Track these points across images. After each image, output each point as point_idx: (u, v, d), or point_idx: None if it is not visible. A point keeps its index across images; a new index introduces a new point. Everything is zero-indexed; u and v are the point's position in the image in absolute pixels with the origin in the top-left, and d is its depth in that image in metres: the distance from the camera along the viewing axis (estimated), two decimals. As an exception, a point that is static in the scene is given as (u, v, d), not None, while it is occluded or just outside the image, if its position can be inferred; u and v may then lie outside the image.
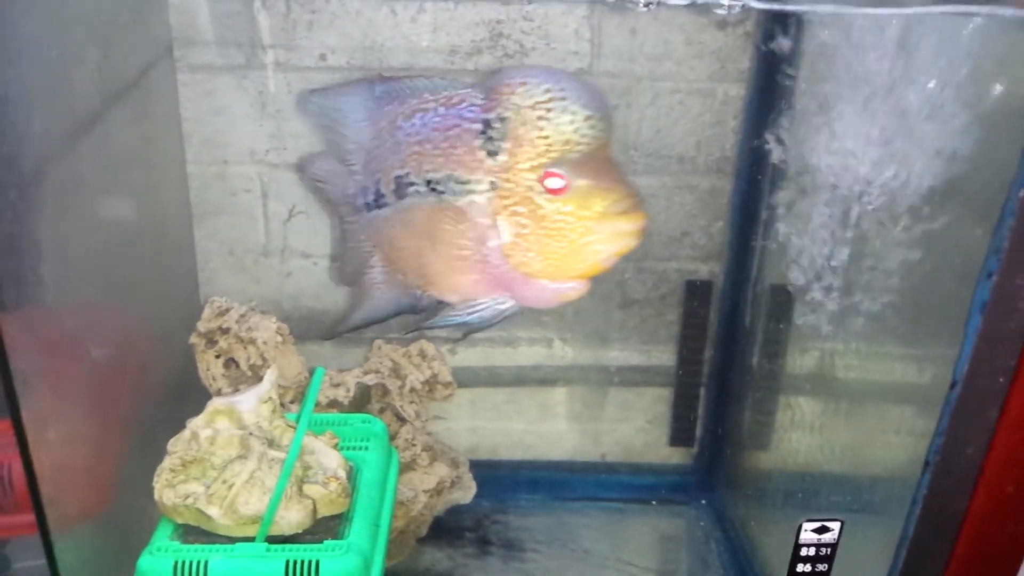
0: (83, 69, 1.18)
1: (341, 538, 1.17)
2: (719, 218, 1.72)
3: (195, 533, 1.17)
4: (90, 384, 1.20)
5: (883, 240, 1.24)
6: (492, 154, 1.07)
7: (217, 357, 1.48)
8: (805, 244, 1.41)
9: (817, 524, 1.18)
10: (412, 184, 1.14)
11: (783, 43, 1.46)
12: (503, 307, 1.16)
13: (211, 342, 1.48)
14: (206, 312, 1.49)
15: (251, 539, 1.15)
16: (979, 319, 1.02)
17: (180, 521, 1.18)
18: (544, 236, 1.07)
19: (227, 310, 1.49)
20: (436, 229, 1.13)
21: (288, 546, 1.15)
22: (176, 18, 1.53)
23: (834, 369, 1.38)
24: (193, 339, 1.49)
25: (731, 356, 1.74)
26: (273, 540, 1.15)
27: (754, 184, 1.63)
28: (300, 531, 1.18)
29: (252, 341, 1.47)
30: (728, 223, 1.71)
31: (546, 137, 1.04)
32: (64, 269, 1.12)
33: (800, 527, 1.18)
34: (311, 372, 1.42)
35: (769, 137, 1.54)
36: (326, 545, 1.15)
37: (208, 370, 1.48)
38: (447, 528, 1.67)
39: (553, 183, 1.05)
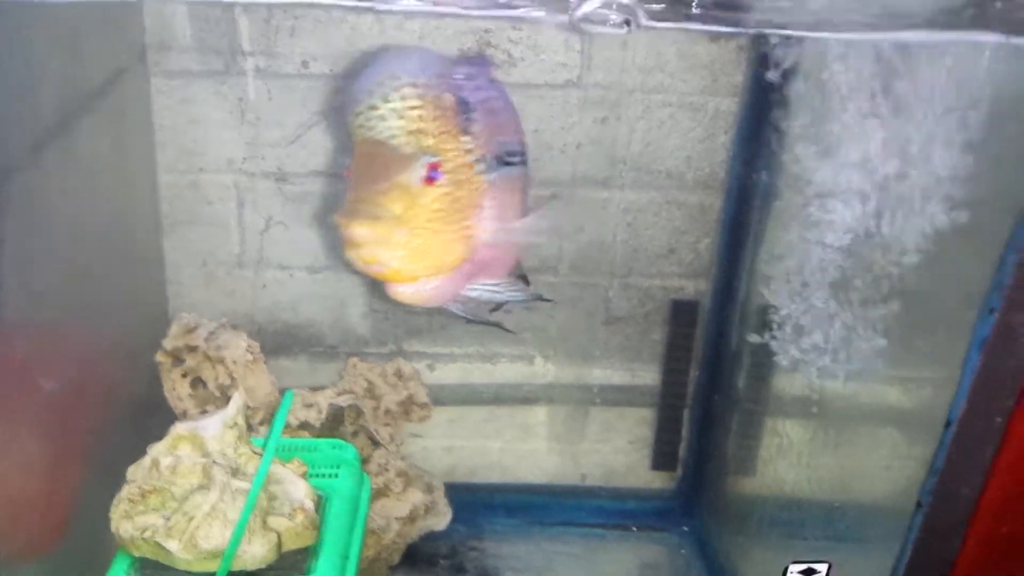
0: (45, 76, 1.12)
1: (307, 573, 1.12)
2: (707, 235, 1.68)
3: (153, 568, 1.12)
4: (44, 408, 1.14)
5: (878, 265, 1.20)
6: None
7: (184, 376, 1.43)
8: (795, 265, 1.38)
9: (804, 567, 1.14)
10: (495, 159, 1.14)
11: (778, 57, 1.42)
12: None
13: (178, 360, 1.43)
14: (173, 329, 1.44)
15: (212, 575, 1.10)
16: (978, 357, 0.98)
17: (138, 555, 1.12)
18: None
19: (195, 327, 1.44)
20: (513, 199, 1.16)
21: (251, 582, 1.10)
22: (151, 22, 1.48)
23: (823, 398, 1.34)
24: (159, 357, 1.43)
25: (717, 378, 1.70)
26: None
27: (744, 201, 1.60)
28: (264, 566, 1.12)
29: (221, 360, 1.42)
30: (716, 241, 1.68)
31: None
32: (19, 285, 1.07)
33: (786, 570, 1.14)
34: (282, 392, 1.37)
35: (761, 153, 1.50)
36: (291, 581, 1.10)
37: (174, 390, 1.43)
38: (421, 555, 1.62)
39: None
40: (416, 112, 1.03)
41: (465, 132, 1.08)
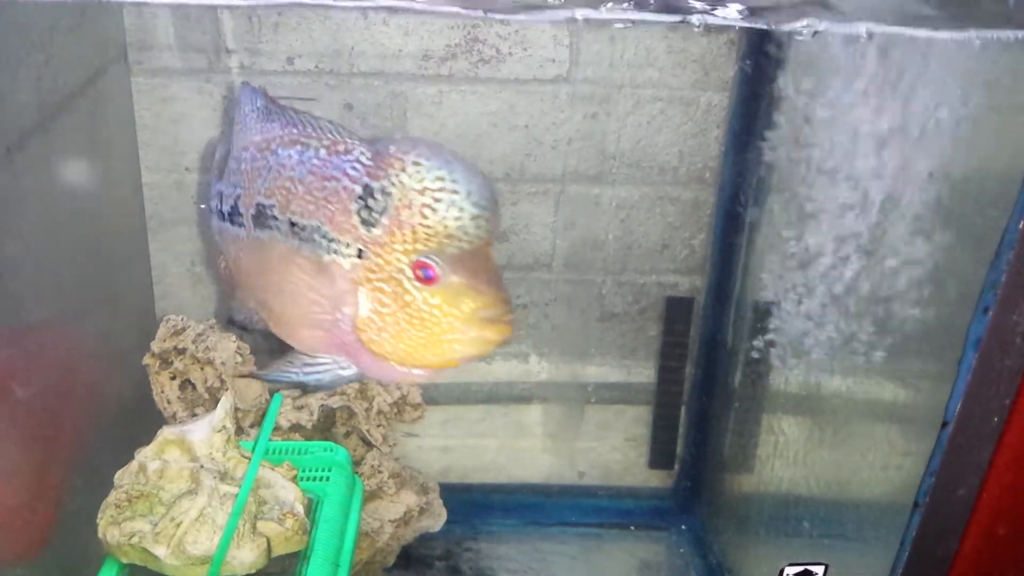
0: (20, 76, 1.10)
1: (297, 579, 1.11)
2: (701, 231, 1.67)
3: (141, 574, 1.10)
4: (28, 412, 1.12)
5: (874, 263, 1.19)
6: (367, 224, 0.99)
7: (172, 379, 1.41)
8: (791, 261, 1.36)
9: (800, 568, 1.12)
10: (275, 219, 1.06)
11: (769, 51, 1.40)
12: (345, 373, 1.09)
13: (166, 363, 1.41)
14: (161, 330, 1.42)
15: (200, 581, 1.08)
16: (973, 356, 0.96)
17: (125, 561, 1.11)
18: (404, 321, 0.99)
19: (183, 329, 1.42)
20: (290, 273, 1.05)
21: (240, 588, 1.08)
22: (131, 21, 1.46)
23: (821, 396, 1.33)
24: (147, 360, 1.41)
25: (713, 375, 1.69)
26: (224, 582, 1.09)
27: (738, 196, 1.58)
28: (253, 571, 1.11)
29: (210, 362, 1.40)
30: (711, 236, 1.66)
31: (428, 226, 0.96)
32: (3, 287, 1.05)
33: (782, 572, 1.12)
34: (272, 395, 1.35)
35: (754, 148, 1.49)
36: (280, 586, 1.09)
37: (162, 393, 1.40)
38: (416, 557, 1.61)
39: (425, 272, 0.98)
40: None
41: None
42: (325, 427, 1.47)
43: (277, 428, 1.41)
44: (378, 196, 0.98)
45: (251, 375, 1.22)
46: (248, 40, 1.49)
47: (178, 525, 1.09)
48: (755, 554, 1.57)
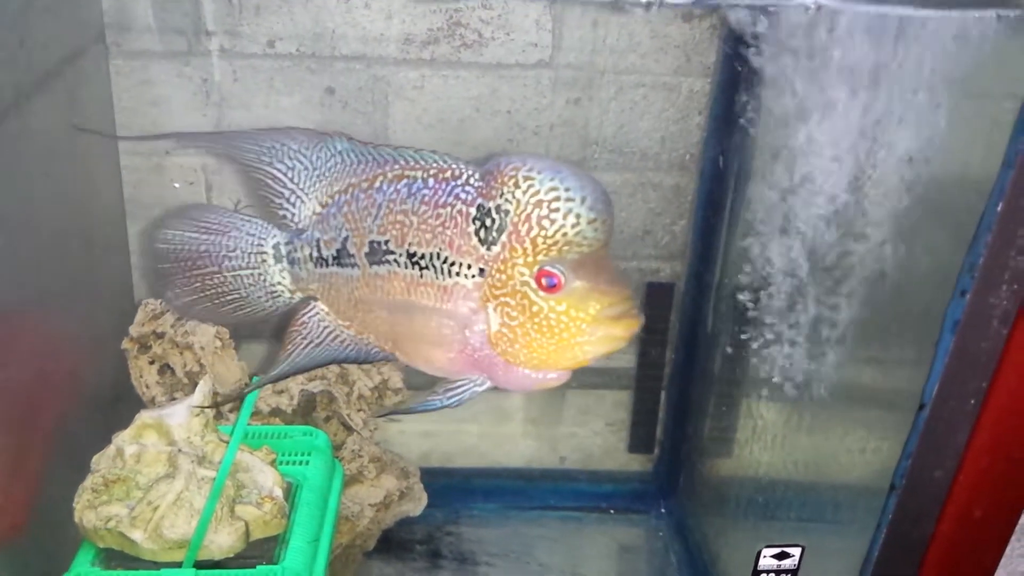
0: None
1: (276, 562, 1.11)
2: (683, 217, 1.67)
3: (118, 558, 1.11)
4: (5, 396, 1.11)
5: (852, 247, 1.19)
6: (486, 243, 1.03)
7: (151, 363, 1.40)
8: (770, 247, 1.36)
9: (777, 550, 1.13)
10: (391, 253, 1.09)
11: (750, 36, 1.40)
12: (480, 388, 1.13)
13: (144, 347, 1.40)
14: (139, 315, 1.41)
15: (178, 564, 1.08)
16: (950, 338, 0.97)
17: (102, 545, 1.11)
18: (534, 331, 1.03)
19: (162, 313, 1.41)
20: (416, 303, 1.09)
21: (218, 572, 1.09)
22: (109, 2, 1.44)
23: (799, 381, 1.34)
24: (125, 344, 1.41)
25: (693, 361, 1.69)
26: (202, 565, 1.09)
27: (719, 182, 1.58)
28: (232, 555, 1.11)
29: (189, 346, 1.39)
30: (692, 222, 1.66)
31: (548, 236, 1.00)
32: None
33: (759, 553, 1.13)
34: (251, 378, 1.35)
35: (735, 133, 1.49)
36: (259, 570, 1.10)
37: (141, 377, 1.40)
38: (396, 541, 1.61)
39: (549, 281, 1.02)
40: None
41: None
42: (305, 412, 1.47)
43: (257, 412, 1.41)
44: (494, 215, 1.02)
45: (392, 413, 1.23)
46: (228, 22, 1.48)
47: (155, 509, 1.09)
48: (734, 537, 1.57)
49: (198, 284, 1.17)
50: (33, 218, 1.21)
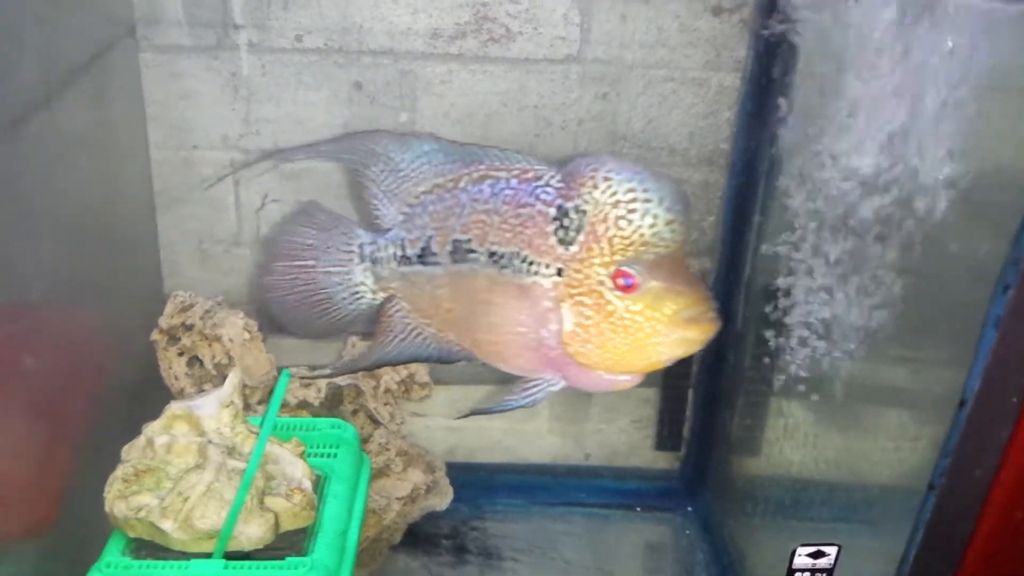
0: (25, 51, 1.09)
1: (305, 554, 1.11)
2: (711, 213, 1.66)
3: (148, 548, 1.10)
4: (36, 388, 1.12)
5: (890, 244, 1.18)
6: (565, 243, 1.04)
7: (180, 355, 1.41)
8: (801, 244, 1.35)
9: (812, 548, 1.11)
10: (473, 252, 1.10)
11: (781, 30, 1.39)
12: (555, 388, 1.14)
13: (173, 339, 1.40)
14: (168, 307, 1.42)
15: (208, 555, 1.08)
16: (993, 335, 0.95)
17: (132, 535, 1.11)
18: (608, 331, 1.03)
19: (191, 305, 1.41)
20: (494, 301, 1.10)
21: (247, 563, 1.08)
22: (139, -4, 1.45)
23: (831, 378, 1.32)
24: (155, 336, 1.41)
25: (721, 357, 1.68)
26: (231, 556, 1.09)
27: (749, 178, 1.56)
28: (261, 547, 1.10)
29: (217, 338, 1.39)
30: (720, 219, 1.65)
31: (625, 237, 1.01)
32: (7, 264, 1.04)
33: (794, 552, 1.11)
34: (280, 371, 1.34)
35: (766, 129, 1.47)
36: (288, 562, 1.09)
37: (170, 369, 1.40)
38: (422, 535, 1.61)
39: (625, 281, 1.02)
40: None
41: None
42: (333, 404, 1.47)
43: (284, 405, 1.41)
44: (573, 215, 1.03)
45: (473, 414, 1.25)
46: (257, 16, 1.48)
47: (185, 500, 1.09)
48: (762, 536, 1.56)
49: (294, 276, 1.20)
50: (63, 211, 1.22)
